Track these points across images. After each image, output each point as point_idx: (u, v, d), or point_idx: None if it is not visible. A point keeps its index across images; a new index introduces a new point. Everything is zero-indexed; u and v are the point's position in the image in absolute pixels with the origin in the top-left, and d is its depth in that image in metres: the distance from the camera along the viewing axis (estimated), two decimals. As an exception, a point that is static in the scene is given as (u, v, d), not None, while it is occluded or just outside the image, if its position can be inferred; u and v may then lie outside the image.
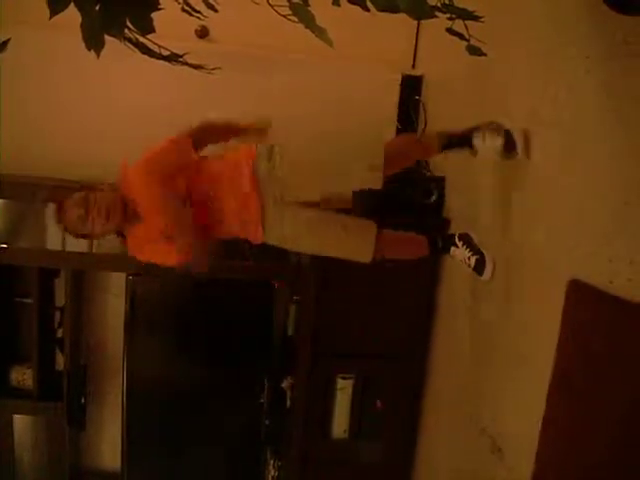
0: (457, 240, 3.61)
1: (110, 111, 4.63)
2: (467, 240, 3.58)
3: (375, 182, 3.39)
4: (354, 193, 4.38)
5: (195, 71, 2.12)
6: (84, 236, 3.33)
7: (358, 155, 3.44)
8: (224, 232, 3.43)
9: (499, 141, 3.24)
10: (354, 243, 3.45)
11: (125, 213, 3.28)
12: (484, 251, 3.50)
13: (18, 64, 4.01)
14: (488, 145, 3.29)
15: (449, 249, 3.65)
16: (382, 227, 3.48)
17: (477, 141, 3.33)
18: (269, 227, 3.38)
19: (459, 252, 3.59)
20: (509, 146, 3.21)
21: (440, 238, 3.71)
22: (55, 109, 4.61)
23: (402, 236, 3.64)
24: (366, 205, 3.60)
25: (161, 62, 1.93)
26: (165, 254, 3.36)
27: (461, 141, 3.42)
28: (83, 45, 1.48)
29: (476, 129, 3.35)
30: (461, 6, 1.70)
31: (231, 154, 3.44)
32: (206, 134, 3.36)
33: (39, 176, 4.44)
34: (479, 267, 3.49)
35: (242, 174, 3.35)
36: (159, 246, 3.34)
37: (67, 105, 4.63)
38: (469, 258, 3.53)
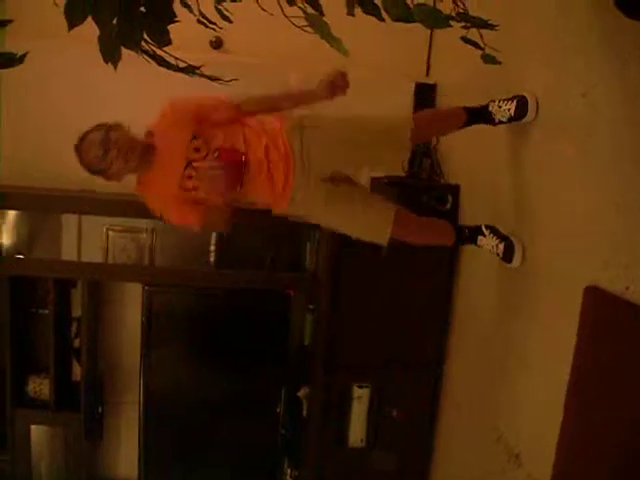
0: (484, 229, 3.59)
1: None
2: (494, 229, 3.56)
3: (398, 166, 3.51)
4: (373, 180, 4.42)
5: (201, 83, 2.13)
6: (99, 172, 3.21)
7: (385, 138, 3.40)
8: (250, 195, 3.39)
9: (512, 104, 3.31)
10: (371, 220, 3.43)
11: (142, 157, 3.23)
12: (512, 238, 3.44)
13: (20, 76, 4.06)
14: (503, 109, 3.36)
15: (476, 239, 3.62)
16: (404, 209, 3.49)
17: (493, 107, 3.43)
18: (294, 196, 3.36)
19: (486, 241, 3.56)
20: (521, 110, 3.28)
21: (467, 227, 3.71)
22: (60, 120, 4.63)
23: (425, 220, 3.63)
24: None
25: (167, 73, 1.94)
26: (183, 214, 3.38)
27: (481, 112, 3.49)
28: (86, 57, 1.50)
29: (492, 100, 3.46)
30: (475, 15, 1.70)
31: (268, 119, 3.41)
32: (260, 105, 3.37)
33: (51, 187, 4.46)
34: (508, 254, 3.42)
35: (277, 140, 3.32)
36: (178, 206, 3.35)
37: (72, 116, 4.65)
38: (497, 246, 3.47)
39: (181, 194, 3.30)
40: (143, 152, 3.23)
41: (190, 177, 3.24)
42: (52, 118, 4.60)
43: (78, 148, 3.17)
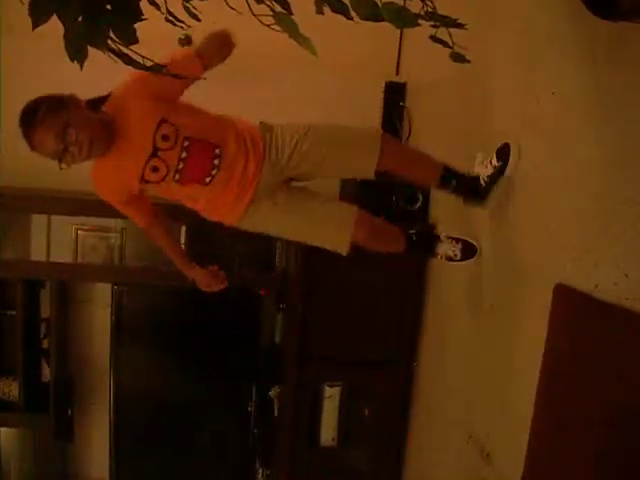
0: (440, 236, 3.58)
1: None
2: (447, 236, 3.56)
3: (369, 170, 3.24)
4: (343, 182, 4.38)
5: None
6: (52, 158, 2.88)
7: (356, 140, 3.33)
8: (209, 197, 3.21)
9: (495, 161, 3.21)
10: (330, 229, 3.30)
11: (105, 140, 2.95)
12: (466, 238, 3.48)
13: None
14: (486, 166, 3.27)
15: (433, 249, 3.56)
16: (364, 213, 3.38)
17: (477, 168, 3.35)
18: (255, 199, 3.21)
19: (444, 247, 3.53)
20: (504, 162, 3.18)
21: (416, 234, 3.58)
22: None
23: (383, 227, 3.52)
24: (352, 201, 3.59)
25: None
26: (130, 213, 3.28)
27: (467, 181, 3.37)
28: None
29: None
30: (444, 14, 1.70)
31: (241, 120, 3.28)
32: (214, 49, 3.11)
33: (20, 187, 4.41)
34: (467, 253, 3.47)
35: (255, 138, 3.21)
36: (127, 205, 3.23)
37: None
38: (454, 249, 3.49)
39: (136, 189, 3.13)
40: (105, 134, 2.95)
41: (154, 169, 3.04)
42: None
43: (30, 134, 2.85)
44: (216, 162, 3.09)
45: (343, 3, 1.54)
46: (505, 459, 3.15)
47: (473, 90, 3.70)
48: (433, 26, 1.73)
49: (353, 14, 1.55)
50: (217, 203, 3.23)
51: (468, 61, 1.88)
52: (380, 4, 1.53)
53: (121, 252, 4.91)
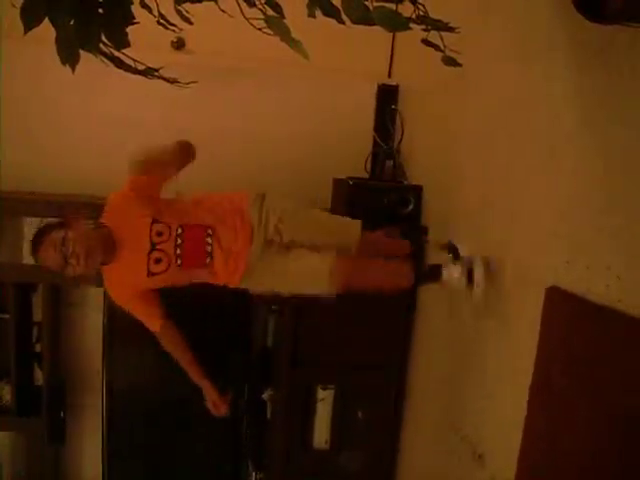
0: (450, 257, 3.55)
1: (103, 123, 4.64)
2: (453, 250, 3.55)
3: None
4: (336, 181, 4.39)
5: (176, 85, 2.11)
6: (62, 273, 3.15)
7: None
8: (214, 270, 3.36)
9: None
10: (311, 273, 3.36)
11: (106, 251, 3.19)
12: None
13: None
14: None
15: (439, 275, 3.51)
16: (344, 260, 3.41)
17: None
18: (249, 272, 3.35)
19: (452, 270, 3.47)
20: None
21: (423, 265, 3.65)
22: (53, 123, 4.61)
23: (374, 262, 3.49)
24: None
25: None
26: (147, 316, 3.40)
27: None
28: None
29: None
30: (436, 18, 1.71)
31: (227, 194, 3.44)
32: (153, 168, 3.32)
33: (12, 190, 4.40)
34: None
35: (239, 216, 3.34)
36: (141, 307, 3.37)
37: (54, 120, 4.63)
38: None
39: (148, 284, 3.29)
40: (105, 246, 3.18)
41: (157, 261, 3.22)
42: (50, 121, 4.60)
43: (36, 252, 3.13)
44: (209, 240, 3.26)
45: (335, 7, 1.54)
46: (498, 460, 3.15)
47: (465, 93, 3.71)
48: (425, 30, 1.73)
49: (344, 18, 1.56)
50: (221, 275, 3.37)
51: (460, 64, 1.88)
52: (371, 8, 1.53)
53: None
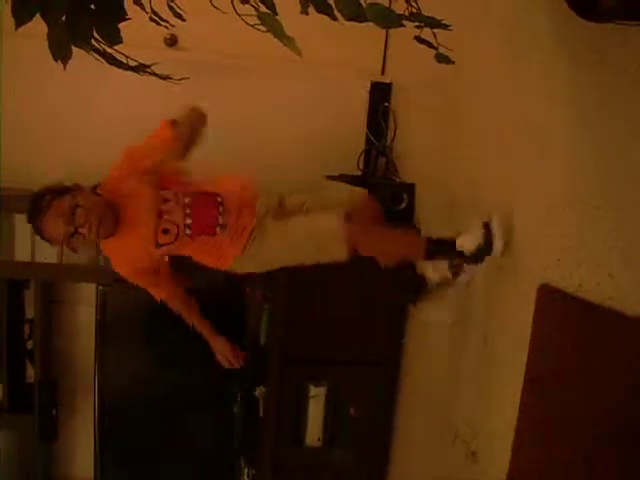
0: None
1: (99, 117, 4.63)
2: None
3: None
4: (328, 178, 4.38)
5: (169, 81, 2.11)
6: (70, 247, 3.05)
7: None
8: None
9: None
10: (321, 244, 3.16)
11: (113, 219, 3.06)
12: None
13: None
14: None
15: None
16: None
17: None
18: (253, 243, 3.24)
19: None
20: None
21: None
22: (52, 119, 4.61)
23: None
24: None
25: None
26: (150, 286, 3.35)
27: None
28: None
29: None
30: (429, 14, 1.70)
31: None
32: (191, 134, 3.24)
33: (3, 187, 4.37)
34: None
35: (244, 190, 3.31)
36: (146, 277, 3.31)
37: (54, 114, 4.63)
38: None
39: (154, 255, 3.22)
40: (112, 214, 3.06)
41: (166, 231, 3.12)
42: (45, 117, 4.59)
43: (38, 220, 2.95)
44: (220, 209, 3.19)
45: (328, 3, 1.54)
46: (491, 457, 3.15)
47: (459, 90, 3.71)
48: (417, 27, 1.73)
49: (337, 15, 1.55)
50: (227, 252, 3.26)
51: (452, 62, 1.88)
52: (364, 4, 1.53)
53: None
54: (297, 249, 3.24)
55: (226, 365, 3.66)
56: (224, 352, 3.63)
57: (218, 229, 3.18)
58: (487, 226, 2.99)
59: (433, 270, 3.35)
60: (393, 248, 3.29)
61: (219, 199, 3.20)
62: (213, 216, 3.17)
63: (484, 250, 2.99)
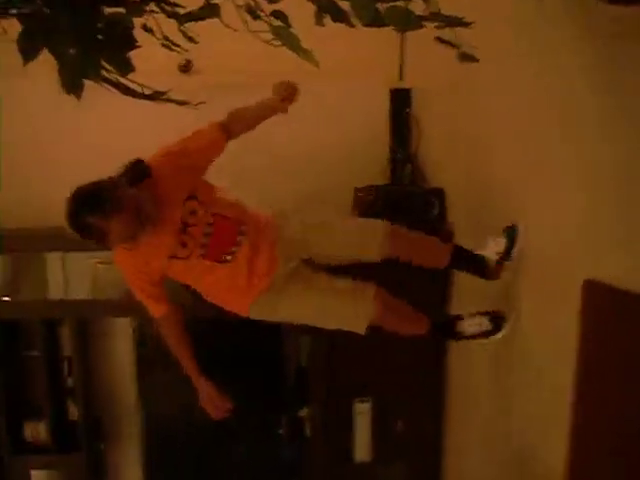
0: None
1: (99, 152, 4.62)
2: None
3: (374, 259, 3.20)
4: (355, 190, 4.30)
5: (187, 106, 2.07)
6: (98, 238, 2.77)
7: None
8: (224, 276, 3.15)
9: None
10: (347, 311, 3.18)
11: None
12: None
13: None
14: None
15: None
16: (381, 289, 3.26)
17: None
18: (265, 298, 3.17)
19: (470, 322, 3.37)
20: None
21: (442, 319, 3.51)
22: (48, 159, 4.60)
23: (403, 308, 3.36)
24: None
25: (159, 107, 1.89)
26: (152, 299, 3.19)
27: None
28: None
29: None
30: (448, 13, 1.65)
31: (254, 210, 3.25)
32: (240, 122, 3.20)
33: (28, 227, 4.38)
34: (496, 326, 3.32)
35: (266, 231, 3.18)
36: (145, 291, 3.15)
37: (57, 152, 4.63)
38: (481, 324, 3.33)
39: (162, 267, 3.07)
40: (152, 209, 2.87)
41: (184, 245, 3.00)
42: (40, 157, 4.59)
43: (109, 215, 2.69)
44: (239, 239, 3.07)
45: (343, 11, 1.49)
46: (548, 464, 3.07)
47: (479, 91, 3.65)
48: (437, 27, 1.68)
49: (355, 21, 1.51)
50: (228, 284, 3.17)
51: (477, 60, 1.82)
52: (382, 9, 1.48)
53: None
54: (315, 314, 3.24)
55: (211, 412, 3.41)
56: (210, 397, 3.37)
57: (228, 257, 3.08)
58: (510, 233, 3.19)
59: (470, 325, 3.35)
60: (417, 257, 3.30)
61: (242, 228, 3.09)
62: (230, 243, 3.06)
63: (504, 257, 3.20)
